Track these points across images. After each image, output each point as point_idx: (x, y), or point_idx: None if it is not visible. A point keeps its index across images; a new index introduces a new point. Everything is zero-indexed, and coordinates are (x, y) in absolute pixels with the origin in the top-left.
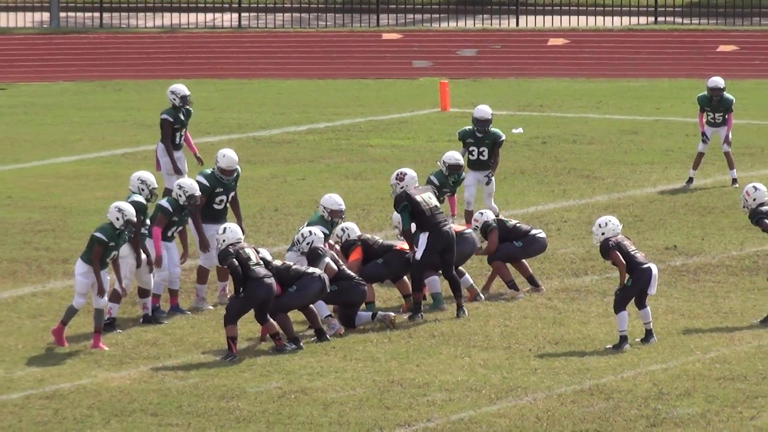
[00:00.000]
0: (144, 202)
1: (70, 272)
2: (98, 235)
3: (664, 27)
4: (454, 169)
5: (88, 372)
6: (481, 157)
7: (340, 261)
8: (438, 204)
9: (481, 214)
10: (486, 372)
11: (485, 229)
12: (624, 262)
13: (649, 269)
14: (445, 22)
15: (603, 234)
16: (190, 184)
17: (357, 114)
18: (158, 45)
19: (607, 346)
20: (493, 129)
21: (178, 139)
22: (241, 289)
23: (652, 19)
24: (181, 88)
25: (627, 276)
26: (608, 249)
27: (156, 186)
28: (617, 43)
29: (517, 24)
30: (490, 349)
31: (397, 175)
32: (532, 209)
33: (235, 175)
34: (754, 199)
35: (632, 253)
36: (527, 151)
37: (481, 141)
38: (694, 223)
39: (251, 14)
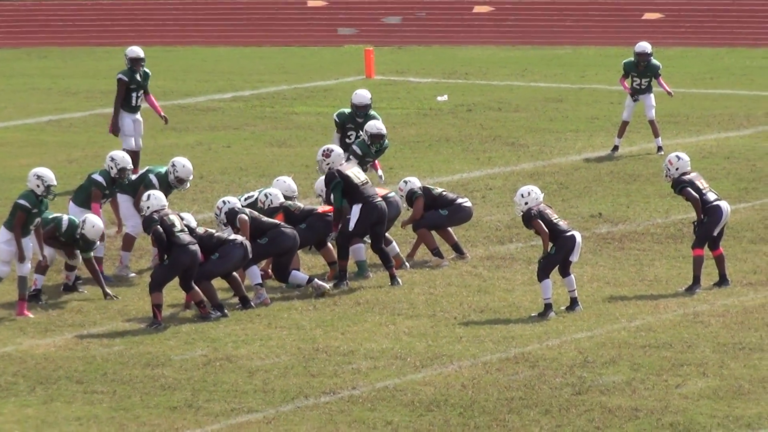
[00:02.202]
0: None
1: None
2: (22, 202)
3: None
4: (377, 138)
5: (12, 339)
6: None
7: (260, 216)
8: (367, 178)
9: (406, 182)
10: (411, 340)
11: (410, 197)
12: (547, 230)
13: (572, 237)
14: None
15: (526, 203)
16: (122, 156)
17: (282, 81)
18: (83, 12)
19: (532, 315)
20: (372, 112)
21: (134, 101)
22: (166, 256)
23: None
24: (132, 50)
25: (550, 244)
26: (531, 218)
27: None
28: (542, 10)
29: None
30: (415, 317)
31: (324, 151)
32: (457, 177)
33: (187, 185)
34: (677, 168)
35: (555, 221)
36: (452, 118)
37: (361, 126)
38: (619, 191)
39: None
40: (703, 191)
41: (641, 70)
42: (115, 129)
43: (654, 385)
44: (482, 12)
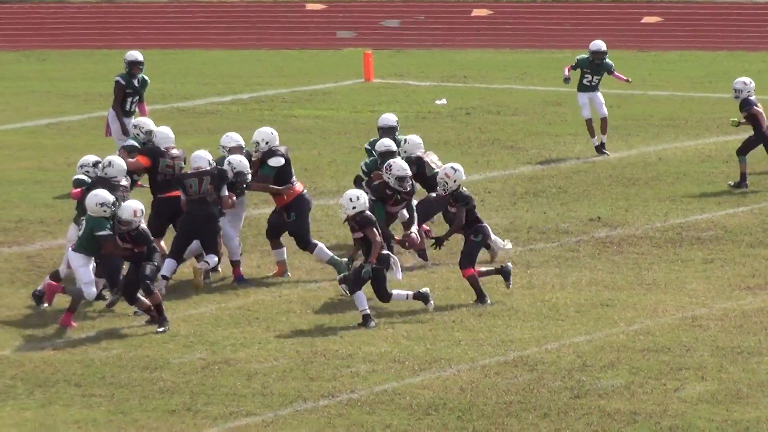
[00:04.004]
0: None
1: None
2: (105, 233)
3: None
4: (387, 156)
5: (10, 342)
6: None
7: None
8: None
9: (406, 141)
10: (409, 343)
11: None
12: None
13: (388, 255)
14: None
15: (455, 182)
16: (119, 163)
17: (281, 85)
18: (83, 15)
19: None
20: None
21: (128, 106)
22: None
23: None
24: (131, 54)
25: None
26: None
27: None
28: (541, 14)
29: None
30: (414, 320)
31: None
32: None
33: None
34: (455, 181)
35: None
36: (451, 122)
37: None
38: (618, 195)
39: None
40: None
41: (594, 68)
42: (124, 131)
43: (653, 389)
44: (481, 15)
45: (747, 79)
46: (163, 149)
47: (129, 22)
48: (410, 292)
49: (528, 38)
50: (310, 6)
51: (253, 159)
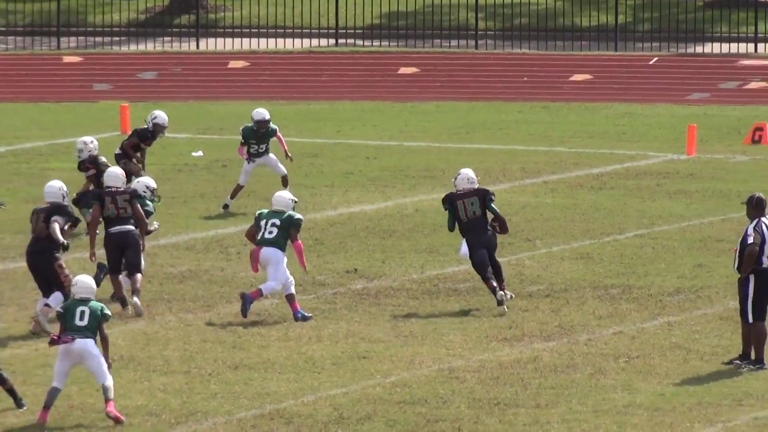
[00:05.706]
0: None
1: None
2: None
3: (344, 49)
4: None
5: None
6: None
7: None
8: None
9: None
10: (165, 396)
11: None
12: None
13: None
14: (126, 45)
15: None
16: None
17: (37, 137)
18: None
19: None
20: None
21: None
22: None
23: (333, 41)
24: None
25: None
26: None
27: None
28: (298, 65)
29: (198, 47)
30: (170, 373)
31: None
32: (212, 233)
33: None
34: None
35: None
36: (207, 174)
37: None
38: (374, 247)
39: None
40: None
41: (260, 136)
42: None
43: None
44: (237, 67)
45: (89, 139)
46: None
47: None
48: None
49: (284, 89)
50: (67, 59)
51: None
